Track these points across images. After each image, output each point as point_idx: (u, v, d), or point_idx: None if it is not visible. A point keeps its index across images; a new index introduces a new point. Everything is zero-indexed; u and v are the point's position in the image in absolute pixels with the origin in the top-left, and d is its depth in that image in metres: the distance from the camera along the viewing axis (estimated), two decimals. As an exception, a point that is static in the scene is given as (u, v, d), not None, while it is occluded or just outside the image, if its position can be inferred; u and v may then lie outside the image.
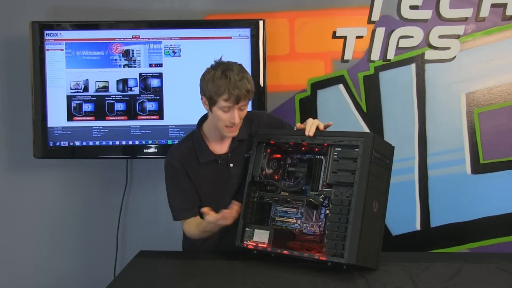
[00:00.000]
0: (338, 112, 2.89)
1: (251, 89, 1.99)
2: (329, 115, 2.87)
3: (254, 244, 1.98)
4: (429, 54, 2.84)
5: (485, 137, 2.86)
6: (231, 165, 2.12)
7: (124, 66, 2.73)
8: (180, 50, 2.74)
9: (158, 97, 2.75)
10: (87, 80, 2.74)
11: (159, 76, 2.75)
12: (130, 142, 2.77)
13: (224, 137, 2.11)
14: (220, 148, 2.13)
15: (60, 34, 2.73)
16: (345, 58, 2.88)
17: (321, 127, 1.99)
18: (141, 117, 2.75)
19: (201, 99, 2.05)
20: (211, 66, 2.02)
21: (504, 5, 2.80)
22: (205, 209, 1.95)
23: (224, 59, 2.04)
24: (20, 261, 3.06)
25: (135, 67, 2.73)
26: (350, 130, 1.98)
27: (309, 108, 2.90)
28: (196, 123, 2.17)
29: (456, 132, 2.87)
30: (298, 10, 2.88)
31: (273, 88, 2.85)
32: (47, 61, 2.73)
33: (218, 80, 1.95)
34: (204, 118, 2.15)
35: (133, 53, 2.72)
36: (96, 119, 2.75)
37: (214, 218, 1.93)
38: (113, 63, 2.72)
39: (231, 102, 1.96)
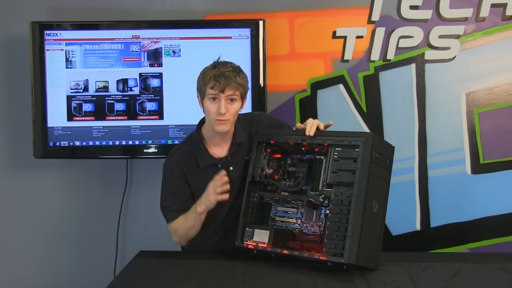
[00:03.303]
0: (338, 112, 2.89)
1: (240, 82, 2.00)
2: (329, 115, 2.87)
3: (254, 244, 1.98)
4: (429, 54, 2.84)
5: (485, 137, 2.85)
6: (231, 168, 2.11)
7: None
8: (180, 50, 2.74)
9: (158, 97, 2.75)
10: (87, 80, 2.74)
11: (159, 76, 2.74)
12: (130, 142, 2.77)
13: (223, 140, 2.11)
14: (219, 151, 2.12)
15: (60, 34, 2.73)
16: (345, 58, 2.88)
17: (322, 127, 2.00)
18: (141, 117, 2.75)
19: (197, 97, 2.08)
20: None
21: (504, 5, 2.80)
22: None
23: (224, 59, 2.06)
24: (20, 261, 3.06)
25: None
26: (350, 130, 1.98)
27: (309, 108, 2.90)
28: (195, 123, 2.17)
29: (456, 132, 2.87)
30: (298, 10, 2.88)
31: (273, 88, 2.85)
32: (47, 61, 2.73)
33: (207, 72, 2.00)
34: (203, 121, 2.14)
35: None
36: (96, 119, 2.75)
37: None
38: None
39: (217, 90, 1.97)
